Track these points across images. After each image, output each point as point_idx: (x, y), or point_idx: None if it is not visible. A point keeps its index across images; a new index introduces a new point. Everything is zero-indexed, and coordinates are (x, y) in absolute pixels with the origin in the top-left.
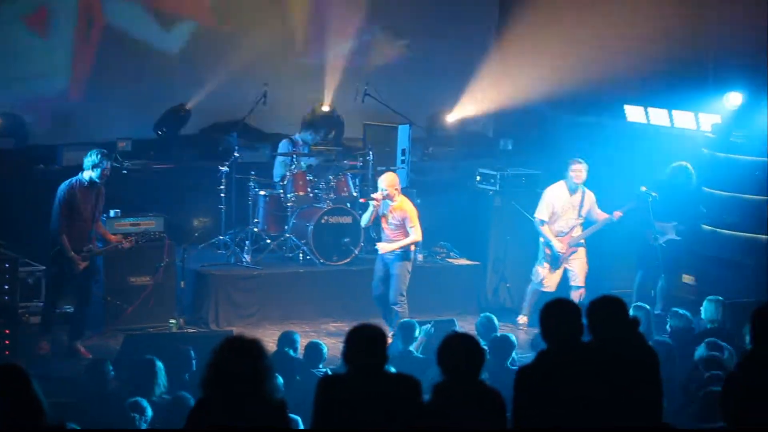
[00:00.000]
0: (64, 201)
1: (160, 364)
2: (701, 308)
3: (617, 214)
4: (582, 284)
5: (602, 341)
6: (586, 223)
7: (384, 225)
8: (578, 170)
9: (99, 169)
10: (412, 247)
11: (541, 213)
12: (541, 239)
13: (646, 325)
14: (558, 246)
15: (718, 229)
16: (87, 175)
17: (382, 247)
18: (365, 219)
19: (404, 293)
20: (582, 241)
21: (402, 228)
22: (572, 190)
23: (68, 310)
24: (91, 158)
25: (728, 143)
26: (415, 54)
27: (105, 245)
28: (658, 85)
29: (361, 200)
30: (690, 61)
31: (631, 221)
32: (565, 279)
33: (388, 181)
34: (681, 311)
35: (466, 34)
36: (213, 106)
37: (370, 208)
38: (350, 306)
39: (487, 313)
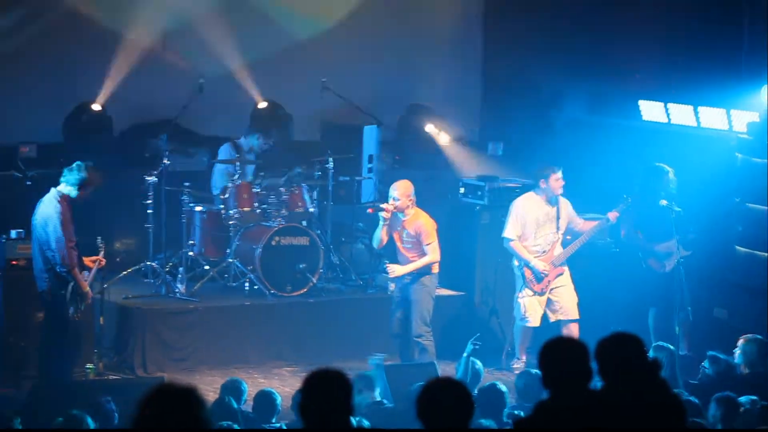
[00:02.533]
0: (63, 222)
1: (89, 421)
2: (735, 350)
3: (613, 215)
4: (575, 317)
5: (615, 388)
6: (566, 241)
7: (398, 244)
8: (559, 179)
9: (78, 187)
10: (435, 268)
11: (509, 230)
12: (516, 262)
13: (670, 368)
14: (540, 265)
15: (756, 252)
16: (67, 189)
17: (394, 270)
18: (377, 238)
19: (429, 323)
20: (563, 261)
21: (419, 246)
22: (547, 201)
23: None
24: (78, 173)
25: (767, 146)
26: (386, 43)
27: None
28: (680, 76)
29: (369, 210)
30: (719, 47)
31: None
32: (546, 313)
33: (401, 189)
34: (721, 356)
35: (448, 17)
36: (137, 103)
37: (381, 223)
38: (307, 346)
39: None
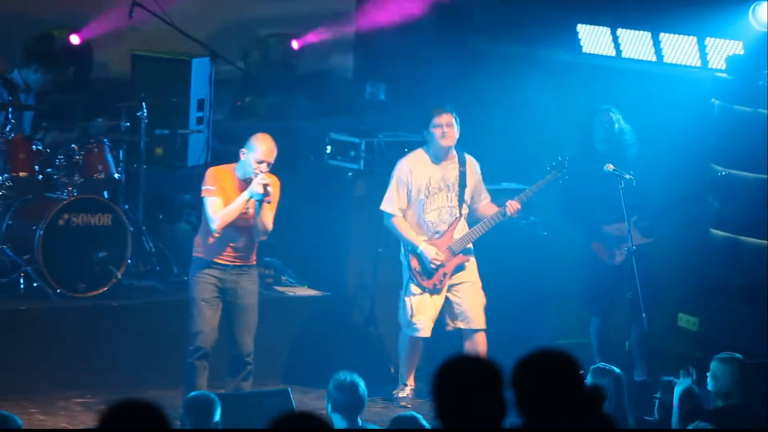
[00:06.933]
0: None
1: None
2: (708, 373)
3: (513, 204)
4: (481, 326)
5: (538, 426)
6: (473, 218)
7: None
8: (447, 123)
9: None
10: None
11: (388, 203)
12: (402, 250)
13: (616, 399)
14: (431, 252)
15: (739, 237)
16: None
17: (262, 181)
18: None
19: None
20: (470, 246)
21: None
22: (437, 158)
23: None
24: None
25: (755, 89)
26: None
27: None
28: None
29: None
30: None
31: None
32: (443, 318)
33: (270, 147)
34: (678, 380)
35: None
36: None
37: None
38: (109, 370)
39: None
